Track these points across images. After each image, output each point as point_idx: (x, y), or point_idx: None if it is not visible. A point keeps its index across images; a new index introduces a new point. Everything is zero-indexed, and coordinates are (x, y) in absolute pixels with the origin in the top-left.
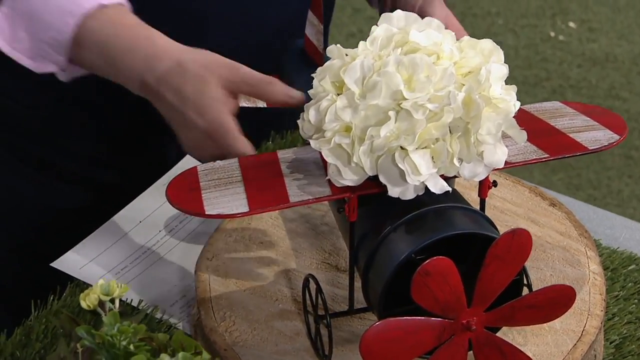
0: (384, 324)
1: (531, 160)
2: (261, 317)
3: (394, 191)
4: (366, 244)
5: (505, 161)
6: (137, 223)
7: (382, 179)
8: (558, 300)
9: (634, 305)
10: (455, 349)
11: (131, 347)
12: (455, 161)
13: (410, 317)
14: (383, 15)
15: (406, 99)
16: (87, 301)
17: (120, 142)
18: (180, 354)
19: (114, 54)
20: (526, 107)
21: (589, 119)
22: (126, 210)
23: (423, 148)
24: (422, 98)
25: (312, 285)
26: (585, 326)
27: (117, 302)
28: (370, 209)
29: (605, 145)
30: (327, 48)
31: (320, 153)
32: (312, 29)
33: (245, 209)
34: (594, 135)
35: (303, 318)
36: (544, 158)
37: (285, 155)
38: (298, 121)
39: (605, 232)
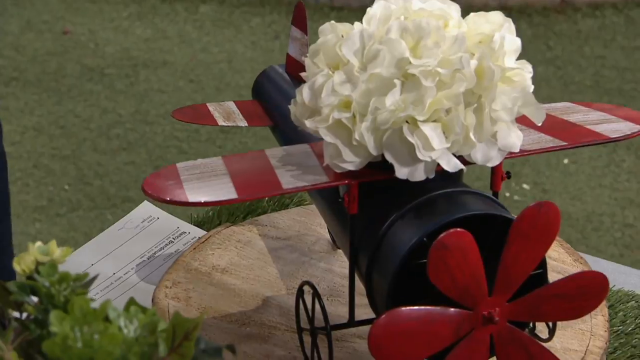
0: (395, 314)
1: (548, 147)
2: (226, 342)
3: (401, 172)
4: (368, 239)
5: (521, 149)
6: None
7: (388, 157)
8: (590, 289)
9: (636, 339)
10: (475, 345)
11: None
12: (472, 135)
13: (424, 306)
14: None
15: (413, 65)
16: (22, 265)
17: None
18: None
19: None
20: None
21: (604, 113)
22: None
23: (433, 121)
24: (430, 63)
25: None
26: (588, 346)
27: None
28: (372, 201)
29: (627, 135)
30: (320, 27)
31: (311, 147)
32: (295, 44)
33: (233, 195)
34: (614, 127)
35: (274, 341)
36: (562, 146)
37: (273, 151)
38: (289, 106)
39: None
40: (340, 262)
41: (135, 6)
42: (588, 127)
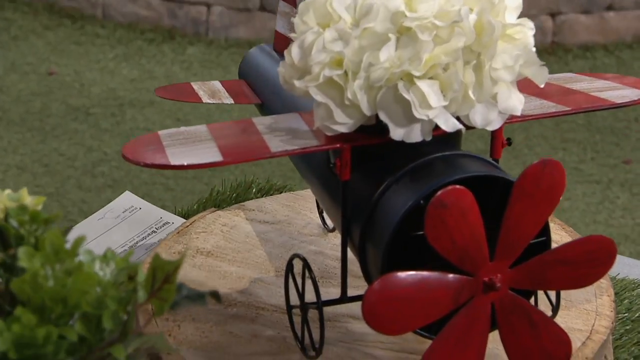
0: (390, 279)
1: (550, 113)
2: (211, 321)
3: (396, 132)
4: (361, 207)
5: (522, 114)
6: None
7: (382, 117)
8: (597, 254)
9: None
10: (475, 314)
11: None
12: (471, 93)
13: (422, 271)
14: None
15: (409, 18)
16: None
17: None
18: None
19: None
20: None
21: (610, 81)
22: None
23: (430, 79)
24: (427, 15)
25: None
26: (593, 326)
27: None
28: (365, 168)
29: (634, 100)
30: None
31: (300, 115)
32: (284, 19)
33: (219, 158)
34: (620, 93)
35: (262, 322)
36: (565, 111)
37: (261, 119)
38: (277, 69)
39: None
40: (332, 245)
41: (121, 48)
42: (593, 94)
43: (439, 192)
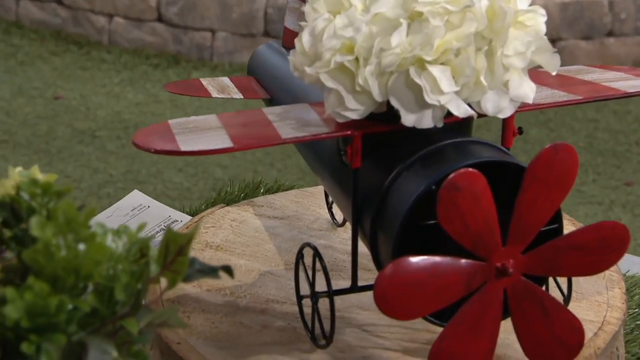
0: (402, 263)
1: (562, 101)
2: (221, 312)
3: (408, 118)
4: (372, 194)
5: (534, 103)
6: None
7: (394, 102)
8: (609, 241)
9: None
10: (487, 300)
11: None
12: (482, 79)
13: (434, 255)
14: None
15: (420, 3)
16: (2, 190)
17: None
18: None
19: None
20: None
21: (621, 73)
22: None
23: (441, 64)
24: (439, 0)
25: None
26: (605, 317)
27: None
28: (375, 155)
29: None
30: None
31: (310, 105)
32: (293, 15)
33: (229, 144)
34: (632, 83)
35: (272, 313)
36: (577, 100)
37: (271, 109)
38: (288, 57)
39: None
40: (341, 239)
41: (127, 72)
42: (605, 84)
43: (452, 175)
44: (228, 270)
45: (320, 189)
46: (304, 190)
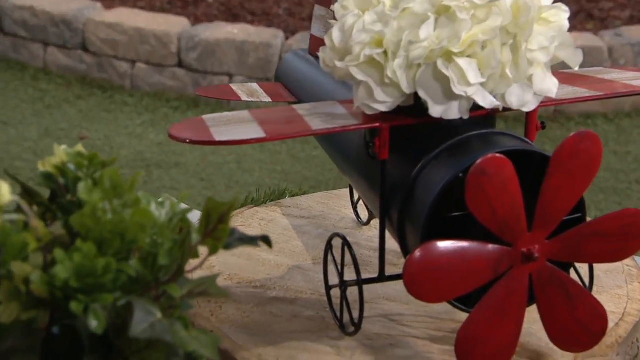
0: (430, 248)
1: (584, 97)
2: (252, 303)
3: (435, 110)
4: (400, 185)
5: (556, 98)
6: None
7: (422, 94)
8: (633, 228)
9: None
10: (513, 285)
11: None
12: (508, 72)
13: (463, 240)
14: None
15: None
16: (47, 165)
17: None
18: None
19: None
20: (567, 70)
21: (639, 73)
22: None
23: (468, 57)
24: None
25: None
26: (625, 309)
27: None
28: (402, 147)
29: None
30: None
31: (339, 102)
32: (319, 22)
33: (262, 134)
34: None
35: (301, 304)
36: (598, 96)
37: (301, 105)
38: (318, 54)
39: None
40: (366, 237)
41: (148, 114)
42: (624, 82)
43: (480, 160)
44: (266, 240)
45: (345, 192)
46: (330, 193)
